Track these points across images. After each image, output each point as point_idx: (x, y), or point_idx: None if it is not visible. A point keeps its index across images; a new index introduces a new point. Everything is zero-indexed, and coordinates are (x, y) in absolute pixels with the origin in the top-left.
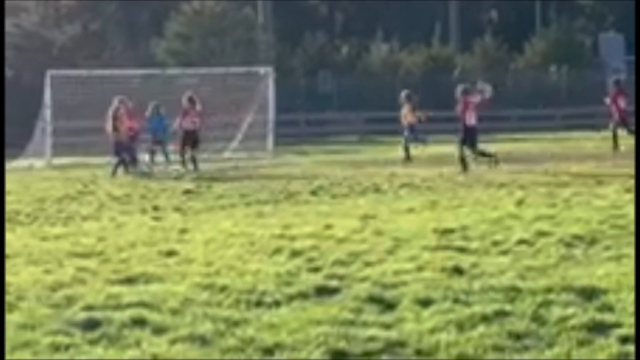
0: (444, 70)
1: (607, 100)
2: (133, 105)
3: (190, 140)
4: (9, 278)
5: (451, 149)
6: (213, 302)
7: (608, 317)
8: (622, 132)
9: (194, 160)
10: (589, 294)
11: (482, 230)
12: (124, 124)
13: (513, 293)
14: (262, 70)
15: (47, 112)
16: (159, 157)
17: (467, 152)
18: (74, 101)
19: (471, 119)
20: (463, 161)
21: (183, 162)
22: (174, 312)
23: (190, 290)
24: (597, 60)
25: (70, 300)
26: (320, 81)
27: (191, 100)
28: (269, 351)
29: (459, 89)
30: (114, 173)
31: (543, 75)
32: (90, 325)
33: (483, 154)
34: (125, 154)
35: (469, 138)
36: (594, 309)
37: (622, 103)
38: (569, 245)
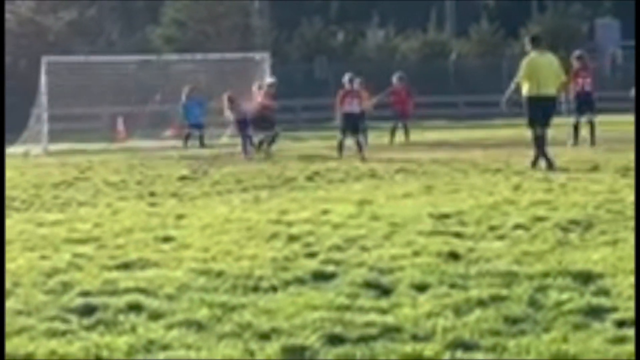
0: (439, 55)
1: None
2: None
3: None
4: (5, 264)
5: (445, 134)
6: (209, 288)
7: (604, 302)
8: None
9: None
10: (585, 278)
11: (478, 215)
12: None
13: (509, 278)
14: (258, 56)
15: (43, 99)
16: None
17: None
18: (70, 87)
19: (351, 106)
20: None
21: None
22: (170, 297)
23: (186, 276)
24: (593, 46)
25: (66, 286)
26: (317, 67)
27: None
28: (265, 336)
29: (346, 77)
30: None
31: None
32: (87, 311)
33: (340, 147)
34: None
35: (350, 124)
36: (590, 293)
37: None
38: (565, 230)
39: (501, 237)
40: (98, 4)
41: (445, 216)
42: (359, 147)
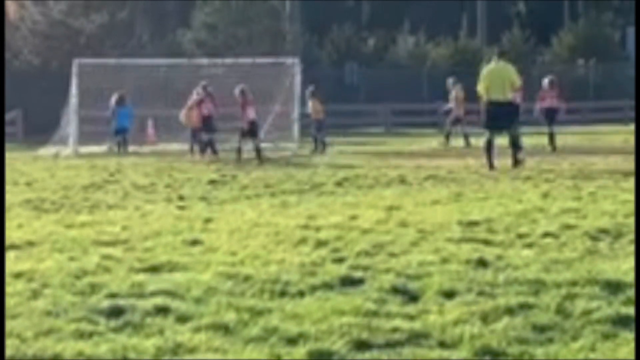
0: (471, 62)
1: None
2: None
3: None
4: (34, 265)
5: (475, 141)
6: (237, 292)
7: (633, 311)
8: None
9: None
10: (614, 287)
11: (507, 222)
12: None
13: (538, 286)
14: (288, 60)
15: (74, 101)
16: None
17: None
18: (100, 90)
19: (252, 114)
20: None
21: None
22: (198, 300)
23: (214, 280)
24: (625, 54)
25: (94, 288)
26: (347, 73)
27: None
28: (292, 341)
29: (238, 89)
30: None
31: (570, 68)
32: (114, 313)
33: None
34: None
35: (251, 130)
36: (619, 302)
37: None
38: (594, 238)
39: (530, 245)
40: (129, 6)
41: (474, 223)
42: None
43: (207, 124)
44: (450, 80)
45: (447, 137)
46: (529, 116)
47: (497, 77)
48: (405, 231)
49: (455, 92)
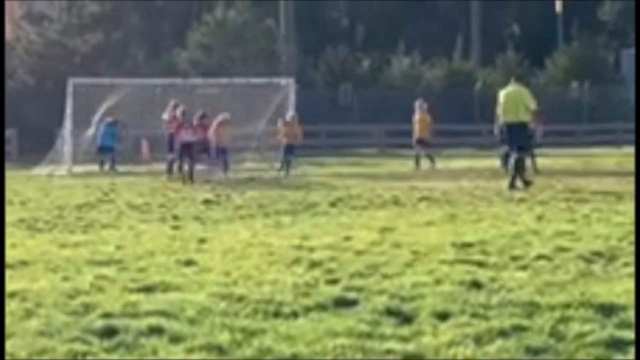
0: (465, 84)
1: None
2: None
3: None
4: (27, 285)
5: (469, 162)
6: (230, 312)
7: (627, 334)
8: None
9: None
10: (607, 310)
11: (501, 244)
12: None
13: (531, 308)
14: (283, 81)
15: (69, 120)
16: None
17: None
18: (95, 109)
19: (186, 136)
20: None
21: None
22: (192, 321)
23: (208, 300)
24: (620, 77)
25: (88, 308)
26: (341, 93)
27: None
28: None
29: (179, 110)
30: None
31: (564, 91)
32: (108, 333)
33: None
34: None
35: (186, 152)
36: (613, 325)
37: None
38: (588, 261)
39: (524, 267)
40: (124, 27)
41: (468, 245)
42: (190, 171)
43: (170, 143)
44: (417, 103)
45: (417, 160)
46: None
47: (511, 100)
48: (399, 252)
49: (422, 115)
